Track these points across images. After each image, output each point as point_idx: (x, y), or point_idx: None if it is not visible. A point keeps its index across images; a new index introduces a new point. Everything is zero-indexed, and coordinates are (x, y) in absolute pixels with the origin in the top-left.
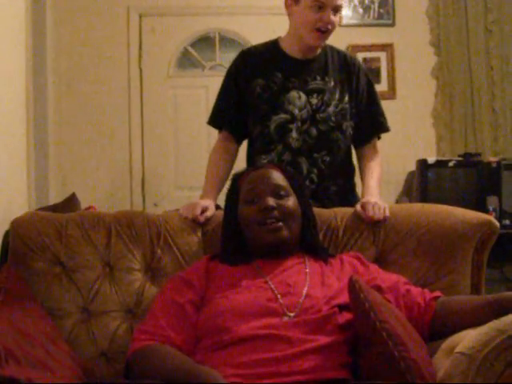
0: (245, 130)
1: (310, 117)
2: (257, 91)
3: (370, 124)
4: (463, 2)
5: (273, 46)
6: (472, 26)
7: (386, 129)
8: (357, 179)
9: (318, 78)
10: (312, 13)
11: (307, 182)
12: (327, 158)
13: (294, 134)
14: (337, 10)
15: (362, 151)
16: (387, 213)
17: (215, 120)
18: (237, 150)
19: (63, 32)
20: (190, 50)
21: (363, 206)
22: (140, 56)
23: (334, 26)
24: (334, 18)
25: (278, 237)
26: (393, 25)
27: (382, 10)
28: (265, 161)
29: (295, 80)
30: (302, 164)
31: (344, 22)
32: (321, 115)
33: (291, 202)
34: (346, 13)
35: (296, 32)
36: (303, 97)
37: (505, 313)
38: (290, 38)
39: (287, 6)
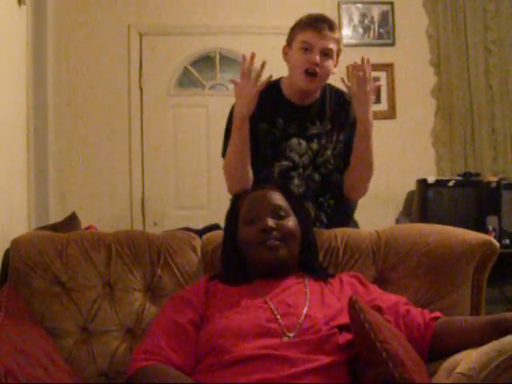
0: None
1: (311, 162)
2: (260, 134)
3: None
4: (463, 22)
5: (275, 90)
6: (472, 45)
7: None
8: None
9: (317, 122)
10: (300, 55)
11: (317, 224)
12: (332, 202)
13: (296, 181)
14: (327, 53)
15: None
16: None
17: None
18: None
19: (64, 51)
20: (191, 69)
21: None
22: (140, 75)
23: (325, 71)
24: (325, 62)
25: (276, 256)
26: (393, 44)
27: (381, 30)
28: None
29: (295, 126)
30: (309, 209)
31: (344, 41)
32: (320, 159)
33: (291, 222)
34: (347, 32)
35: (291, 77)
36: (303, 143)
37: (505, 333)
38: (288, 83)
39: (284, 53)
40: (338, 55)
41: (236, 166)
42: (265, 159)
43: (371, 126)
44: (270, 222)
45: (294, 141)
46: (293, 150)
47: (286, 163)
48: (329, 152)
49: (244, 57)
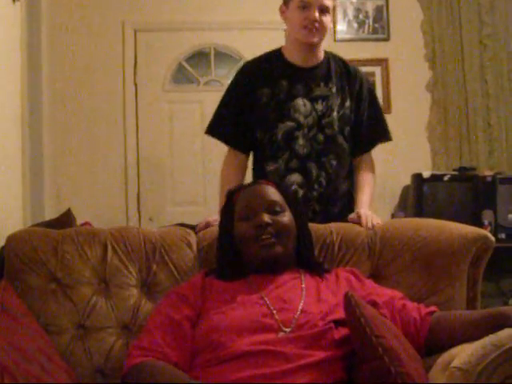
0: (249, 140)
1: (315, 123)
2: (263, 100)
3: (371, 132)
4: (457, 16)
5: (276, 56)
6: (466, 40)
7: (387, 136)
8: None
9: (322, 84)
10: (299, 13)
11: (316, 186)
12: (334, 162)
13: (301, 141)
14: (323, 9)
15: (359, 161)
16: (377, 221)
17: (212, 129)
18: (246, 161)
19: (58, 48)
20: (185, 65)
21: (357, 215)
22: (135, 71)
23: (323, 26)
24: (323, 18)
25: (271, 252)
26: (387, 39)
27: (376, 25)
28: (272, 168)
29: (300, 87)
30: (311, 169)
31: (338, 36)
32: (326, 120)
33: (286, 217)
34: (341, 27)
35: (292, 36)
36: (308, 104)
37: (501, 327)
38: (290, 46)
39: (281, 12)
40: (333, 11)
41: None
42: (267, 123)
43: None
44: (266, 218)
45: (299, 101)
46: (297, 111)
47: (290, 124)
48: (334, 114)
49: None
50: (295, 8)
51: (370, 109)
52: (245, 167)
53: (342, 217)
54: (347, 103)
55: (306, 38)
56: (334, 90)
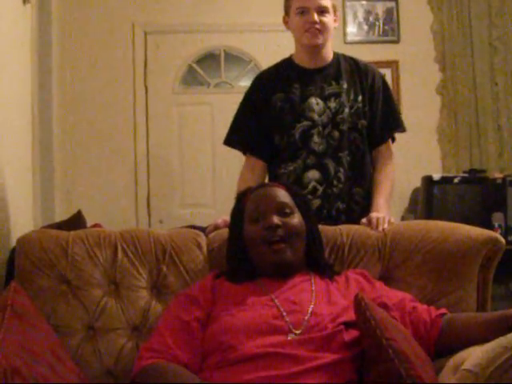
0: (267, 147)
1: (330, 120)
2: (278, 105)
3: (385, 122)
4: (468, 19)
5: (286, 63)
6: (476, 42)
7: (401, 126)
8: None
9: (333, 82)
10: (298, 19)
11: (335, 182)
12: (348, 158)
13: (316, 139)
14: (322, 10)
15: (377, 153)
16: (385, 225)
17: (231, 140)
18: (265, 168)
19: (68, 50)
20: (195, 67)
21: (368, 219)
22: (145, 73)
23: (324, 26)
24: (323, 18)
25: (282, 258)
26: (398, 41)
27: (386, 27)
28: (291, 168)
29: (312, 88)
30: (328, 165)
31: (349, 38)
32: (340, 116)
33: (296, 219)
34: (351, 30)
35: (297, 42)
36: (321, 103)
37: (511, 330)
38: (298, 51)
39: (285, 23)
40: (335, 10)
41: None
42: (284, 126)
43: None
44: (275, 220)
45: (312, 100)
46: (311, 110)
47: (306, 123)
48: (347, 110)
49: None
50: (295, 15)
51: (384, 100)
52: (264, 174)
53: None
54: (359, 97)
55: (309, 41)
56: (345, 86)
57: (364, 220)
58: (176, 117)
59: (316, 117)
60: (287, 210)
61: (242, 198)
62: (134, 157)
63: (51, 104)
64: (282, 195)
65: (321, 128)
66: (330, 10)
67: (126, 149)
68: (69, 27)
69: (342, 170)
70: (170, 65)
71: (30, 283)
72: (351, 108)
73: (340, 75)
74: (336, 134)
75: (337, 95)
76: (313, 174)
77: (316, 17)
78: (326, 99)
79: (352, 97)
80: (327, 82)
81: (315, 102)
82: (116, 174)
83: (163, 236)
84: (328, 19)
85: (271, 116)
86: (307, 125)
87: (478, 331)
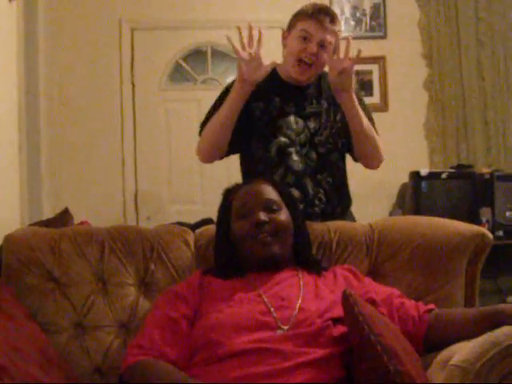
0: (237, 147)
1: (308, 141)
2: (256, 114)
3: None
4: (454, 14)
5: (270, 72)
6: (464, 37)
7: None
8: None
9: (314, 102)
10: (298, 43)
11: (316, 202)
12: (330, 180)
13: (295, 157)
14: (324, 45)
15: None
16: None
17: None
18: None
19: (55, 46)
20: (182, 63)
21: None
22: (132, 70)
23: (320, 63)
24: (321, 54)
25: (268, 251)
26: (384, 37)
27: (373, 23)
28: None
29: (292, 105)
30: (307, 185)
31: None
32: (318, 138)
33: (283, 215)
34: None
35: (286, 61)
36: (300, 122)
37: (499, 325)
38: (283, 66)
39: (283, 37)
40: (335, 50)
41: (222, 131)
42: (261, 137)
43: (354, 100)
44: (263, 216)
45: (291, 119)
46: (289, 128)
47: (283, 140)
48: (327, 131)
49: (249, 26)
50: (296, 37)
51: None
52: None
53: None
54: (338, 116)
55: (296, 75)
56: (325, 105)
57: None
58: (163, 113)
59: (293, 136)
60: (274, 207)
61: (228, 194)
62: (121, 153)
63: (38, 102)
64: (269, 192)
65: (299, 147)
66: (330, 48)
67: (114, 145)
68: (55, 24)
69: (322, 191)
70: (157, 61)
71: (17, 281)
72: (332, 129)
73: (320, 95)
74: (313, 155)
75: (317, 115)
76: (293, 193)
77: (316, 49)
78: (305, 118)
79: (332, 117)
80: (308, 100)
81: (294, 121)
82: (103, 170)
83: (151, 233)
84: (325, 56)
85: (248, 122)
86: (284, 142)
87: (466, 327)
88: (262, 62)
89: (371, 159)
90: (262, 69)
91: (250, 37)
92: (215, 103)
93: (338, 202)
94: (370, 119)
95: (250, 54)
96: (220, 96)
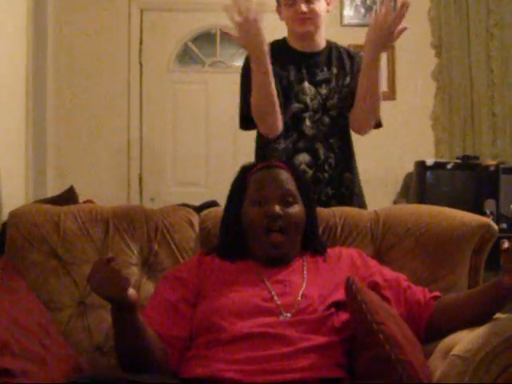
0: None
1: (320, 106)
2: (275, 79)
3: None
4: (465, 5)
5: (282, 44)
6: (473, 28)
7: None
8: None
9: (325, 68)
10: (288, 10)
11: (326, 167)
12: (339, 143)
13: (308, 123)
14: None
15: None
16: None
17: (245, 122)
18: None
19: (64, 27)
20: (191, 45)
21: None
22: (140, 51)
23: (314, 13)
24: (312, 6)
25: (278, 252)
26: None
27: None
28: (280, 147)
29: (305, 72)
30: (318, 150)
31: (345, 21)
32: (330, 102)
33: (297, 209)
34: (348, 12)
35: (290, 30)
36: (312, 88)
37: (499, 299)
38: (290, 37)
39: (277, 12)
40: None
41: (266, 104)
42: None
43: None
44: (277, 209)
45: (306, 85)
46: (304, 94)
47: (298, 105)
48: (337, 96)
49: None
50: (284, 7)
51: None
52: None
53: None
54: (347, 81)
55: (301, 29)
56: (335, 71)
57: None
58: (170, 95)
59: (308, 101)
60: (290, 199)
61: (245, 172)
62: (127, 134)
63: (45, 80)
64: (287, 180)
65: (312, 113)
66: None
67: (120, 126)
68: (64, 5)
69: (332, 155)
70: (166, 43)
71: (21, 257)
72: (340, 93)
73: (331, 62)
74: (326, 119)
75: (328, 81)
76: (303, 157)
77: (304, 7)
78: (317, 85)
79: (340, 82)
80: (319, 67)
81: (308, 87)
82: (109, 150)
83: (155, 213)
84: (318, 6)
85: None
86: (299, 107)
87: (473, 303)
88: (258, 25)
89: (367, 120)
90: (259, 33)
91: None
92: (242, 88)
93: (348, 167)
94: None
95: (244, 18)
96: (242, 79)
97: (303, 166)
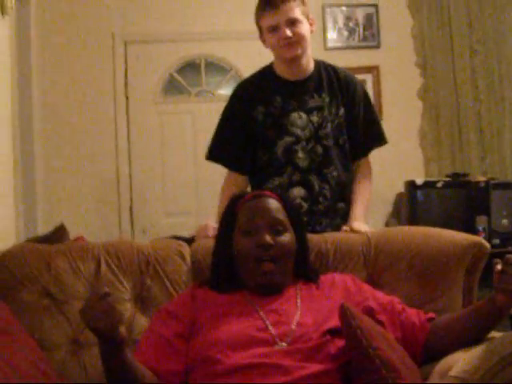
0: (250, 162)
1: (313, 135)
2: (259, 119)
3: (366, 136)
4: (447, 22)
5: (268, 73)
6: (457, 45)
7: (382, 140)
8: None
9: (316, 95)
10: (271, 36)
11: (321, 199)
12: (335, 174)
13: (301, 154)
14: (292, 21)
15: (356, 167)
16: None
17: (213, 154)
18: (247, 181)
19: (48, 61)
20: (176, 76)
21: (350, 228)
22: (126, 83)
23: (299, 36)
24: (296, 29)
25: (270, 281)
26: (378, 47)
27: (367, 33)
28: (276, 183)
29: (294, 101)
30: (313, 181)
31: (329, 44)
32: (323, 131)
33: (288, 238)
34: (331, 36)
35: (276, 56)
36: (304, 116)
37: (494, 318)
38: (277, 63)
39: (261, 40)
40: (307, 16)
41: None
42: (266, 141)
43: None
44: (268, 239)
45: (295, 115)
46: (294, 125)
47: (288, 139)
48: (329, 125)
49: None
50: (267, 34)
51: (365, 113)
52: (247, 187)
53: None
54: (341, 111)
55: (288, 55)
56: (327, 100)
57: (346, 228)
58: (157, 126)
59: (299, 132)
60: (280, 228)
61: (234, 203)
62: (115, 167)
63: (32, 116)
64: (276, 209)
65: (304, 143)
66: (301, 18)
67: (108, 159)
68: (48, 38)
69: (327, 186)
70: (151, 74)
71: (13, 297)
72: (333, 123)
73: (321, 87)
74: (319, 149)
75: (319, 109)
76: (298, 191)
77: (288, 31)
78: (308, 113)
79: (334, 111)
80: (309, 94)
81: (298, 116)
82: (98, 185)
83: (146, 247)
84: (301, 29)
85: (253, 130)
86: (290, 141)
87: (467, 323)
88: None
89: None
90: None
91: None
92: (219, 124)
93: (342, 198)
94: (378, 124)
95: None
96: (222, 116)
97: (299, 200)
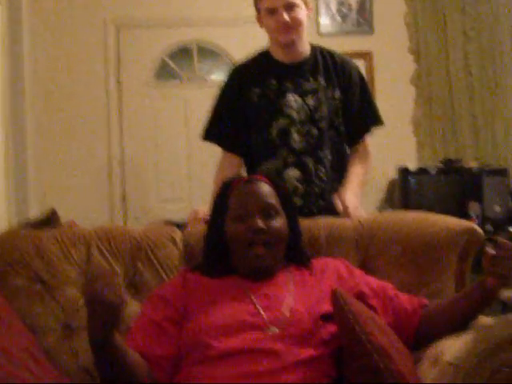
0: (244, 143)
1: (308, 118)
2: (254, 100)
3: (362, 119)
4: (441, 9)
5: (263, 56)
6: (450, 32)
7: (378, 121)
8: None
9: (311, 78)
10: (269, 19)
11: (317, 181)
12: (330, 157)
13: (296, 137)
14: (290, 6)
15: (352, 152)
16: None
17: (208, 134)
18: (241, 163)
19: (40, 46)
20: (168, 61)
21: (344, 210)
22: (118, 68)
23: (296, 21)
24: (294, 14)
25: (261, 264)
26: (371, 33)
27: (360, 18)
28: (271, 165)
29: (289, 84)
30: (308, 163)
31: (322, 30)
32: (318, 114)
33: (280, 222)
34: (325, 21)
35: (272, 39)
36: (299, 99)
37: (486, 299)
38: (273, 47)
39: (258, 20)
40: (305, 1)
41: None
42: (261, 123)
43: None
44: (260, 223)
45: (290, 97)
46: (289, 107)
47: (283, 121)
48: (325, 107)
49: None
50: (265, 16)
51: (361, 95)
52: (241, 169)
53: None
54: (337, 95)
55: (284, 39)
56: (322, 82)
57: (336, 200)
58: (150, 111)
59: (294, 114)
60: (272, 212)
61: (226, 188)
62: (108, 153)
63: (24, 102)
64: (268, 193)
65: (299, 125)
66: (300, 3)
67: (100, 145)
68: (40, 24)
69: (322, 169)
70: (143, 59)
71: (5, 283)
72: (329, 106)
73: (317, 71)
74: (315, 131)
75: (314, 92)
76: (293, 173)
77: (286, 15)
78: (303, 95)
79: (329, 94)
80: (304, 77)
81: (293, 99)
82: (90, 170)
83: (138, 233)
84: (299, 14)
85: (248, 112)
86: (285, 122)
87: (459, 308)
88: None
89: None
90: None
91: None
92: (214, 104)
93: (338, 180)
94: (374, 106)
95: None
96: (217, 97)
97: (294, 182)
